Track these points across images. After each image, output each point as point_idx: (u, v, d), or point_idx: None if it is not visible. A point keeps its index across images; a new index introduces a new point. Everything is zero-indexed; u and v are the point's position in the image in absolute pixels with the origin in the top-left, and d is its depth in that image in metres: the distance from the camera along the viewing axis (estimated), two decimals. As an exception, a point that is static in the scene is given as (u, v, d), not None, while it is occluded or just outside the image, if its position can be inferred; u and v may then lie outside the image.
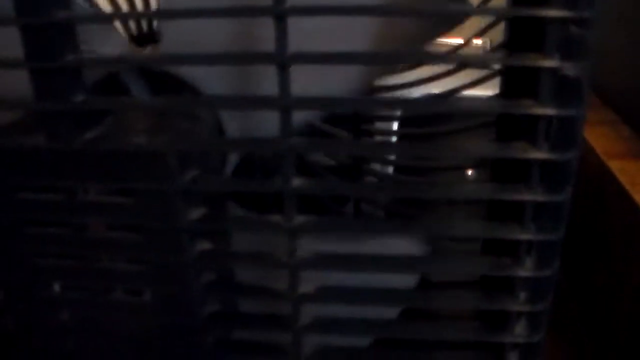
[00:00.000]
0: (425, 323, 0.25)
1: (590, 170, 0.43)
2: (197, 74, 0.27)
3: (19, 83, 0.22)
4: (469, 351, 0.25)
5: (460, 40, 0.43)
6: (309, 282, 0.24)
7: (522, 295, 0.24)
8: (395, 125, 0.43)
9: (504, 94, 0.23)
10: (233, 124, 0.28)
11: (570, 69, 0.20)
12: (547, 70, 0.20)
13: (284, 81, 0.21)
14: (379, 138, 0.44)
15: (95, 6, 0.34)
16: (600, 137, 0.45)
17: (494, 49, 0.35)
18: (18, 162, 0.24)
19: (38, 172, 0.24)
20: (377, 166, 0.42)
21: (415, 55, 0.26)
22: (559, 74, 0.20)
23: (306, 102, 0.22)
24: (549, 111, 0.20)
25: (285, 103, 0.21)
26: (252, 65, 0.26)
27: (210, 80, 0.27)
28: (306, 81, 0.20)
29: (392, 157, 0.41)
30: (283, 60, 0.20)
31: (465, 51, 0.42)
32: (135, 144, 0.22)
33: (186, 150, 0.23)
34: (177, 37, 0.26)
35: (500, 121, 0.24)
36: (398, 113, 0.42)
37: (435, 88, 0.39)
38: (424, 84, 0.39)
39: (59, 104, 0.22)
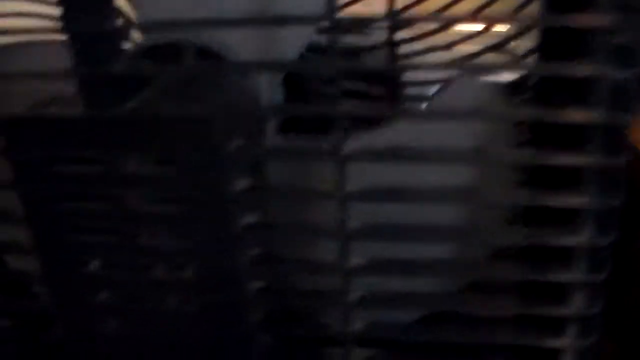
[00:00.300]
0: (482, 296, 0.24)
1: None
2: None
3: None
4: (526, 323, 0.24)
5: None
6: (358, 254, 0.23)
7: (581, 266, 0.23)
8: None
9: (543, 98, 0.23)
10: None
11: (619, 75, 0.19)
12: (596, 77, 0.19)
13: None
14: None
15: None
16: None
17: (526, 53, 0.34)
18: (56, 133, 0.23)
19: (77, 143, 0.23)
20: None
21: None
22: (609, 80, 0.20)
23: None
24: (600, 119, 0.20)
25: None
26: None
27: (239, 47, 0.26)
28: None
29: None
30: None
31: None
32: (181, 110, 0.22)
33: (233, 117, 0.22)
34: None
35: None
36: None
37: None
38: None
39: (100, 69, 0.22)
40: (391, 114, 0.25)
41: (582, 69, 0.19)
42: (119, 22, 0.21)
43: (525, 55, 0.33)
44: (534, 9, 0.31)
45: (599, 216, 0.22)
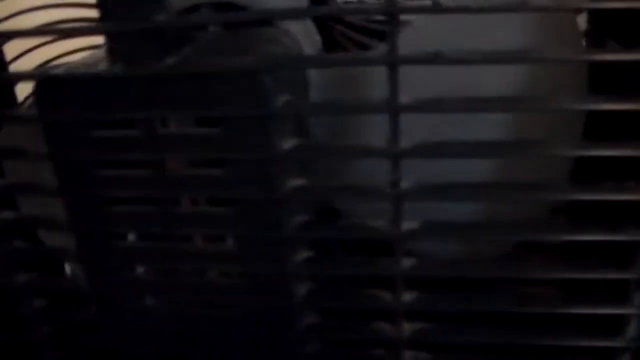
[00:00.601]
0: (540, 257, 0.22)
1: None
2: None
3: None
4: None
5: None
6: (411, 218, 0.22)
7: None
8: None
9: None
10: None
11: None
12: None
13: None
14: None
15: None
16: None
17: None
18: (92, 94, 0.22)
19: (113, 104, 0.22)
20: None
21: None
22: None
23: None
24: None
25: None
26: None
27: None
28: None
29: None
30: None
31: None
32: (224, 64, 0.20)
33: (279, 70, 0.21)
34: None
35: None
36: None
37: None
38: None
39: (139, 23, 0.21)
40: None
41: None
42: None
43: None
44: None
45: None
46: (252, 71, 0.20)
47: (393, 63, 0.19)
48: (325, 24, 0.28)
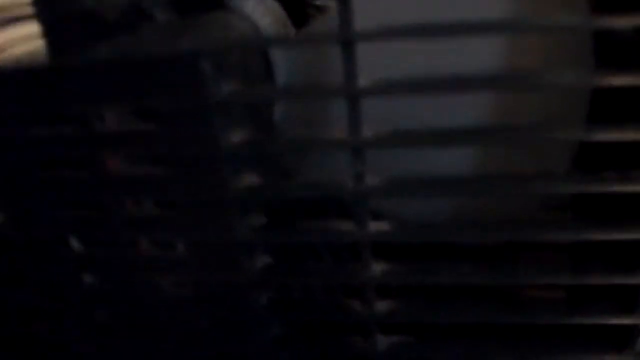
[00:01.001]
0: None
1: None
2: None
3: None
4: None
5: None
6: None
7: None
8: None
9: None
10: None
11: None
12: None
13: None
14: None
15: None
16: None
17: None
18: (21, 88, 0.19)
19: (45, 98, 0.19)
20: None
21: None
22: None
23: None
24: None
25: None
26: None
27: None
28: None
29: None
30: None
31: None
32: (159, 48, 0.18)
33: (222, 55, 0.18)
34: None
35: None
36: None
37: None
38: None
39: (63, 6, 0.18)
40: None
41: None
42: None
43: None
44: None
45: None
46: (190, 57, 0.18)
47: (347, 40, 0.17)
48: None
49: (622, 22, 0.16)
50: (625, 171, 0.18)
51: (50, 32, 0.19)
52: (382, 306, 0.20)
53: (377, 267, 0.20)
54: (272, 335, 0.21)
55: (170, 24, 0.21)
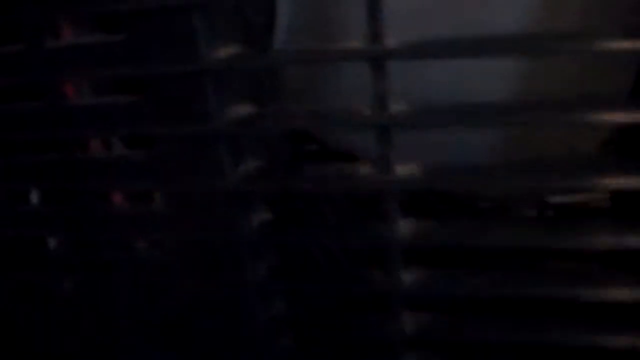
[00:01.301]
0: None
1: None
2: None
3: None
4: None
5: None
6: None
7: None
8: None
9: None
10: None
11: None
12: None
13: None
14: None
15: None
16: None
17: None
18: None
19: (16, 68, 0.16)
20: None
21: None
22: None
23: None
24: None
25: None
26: None
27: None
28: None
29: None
30: None
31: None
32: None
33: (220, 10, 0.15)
34: None
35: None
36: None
37: None
38: None
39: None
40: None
41: None
42: None
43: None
44: None
45: None
46: (178, 13, 0.14)
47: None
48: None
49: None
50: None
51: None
52: (409, 276, 0.16)
53: (405, 226, 0.16)
54: (272, 315, 0.18)
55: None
